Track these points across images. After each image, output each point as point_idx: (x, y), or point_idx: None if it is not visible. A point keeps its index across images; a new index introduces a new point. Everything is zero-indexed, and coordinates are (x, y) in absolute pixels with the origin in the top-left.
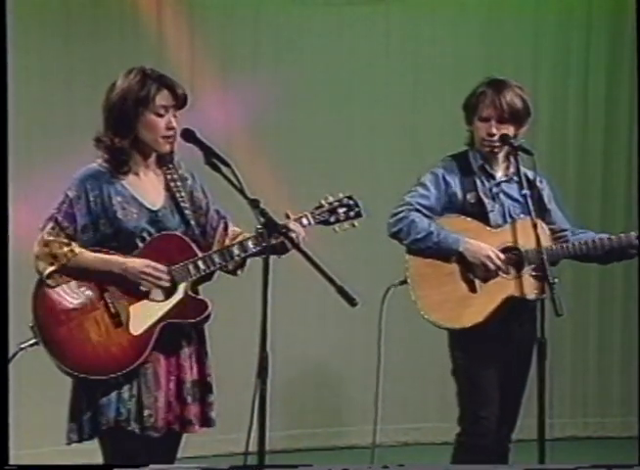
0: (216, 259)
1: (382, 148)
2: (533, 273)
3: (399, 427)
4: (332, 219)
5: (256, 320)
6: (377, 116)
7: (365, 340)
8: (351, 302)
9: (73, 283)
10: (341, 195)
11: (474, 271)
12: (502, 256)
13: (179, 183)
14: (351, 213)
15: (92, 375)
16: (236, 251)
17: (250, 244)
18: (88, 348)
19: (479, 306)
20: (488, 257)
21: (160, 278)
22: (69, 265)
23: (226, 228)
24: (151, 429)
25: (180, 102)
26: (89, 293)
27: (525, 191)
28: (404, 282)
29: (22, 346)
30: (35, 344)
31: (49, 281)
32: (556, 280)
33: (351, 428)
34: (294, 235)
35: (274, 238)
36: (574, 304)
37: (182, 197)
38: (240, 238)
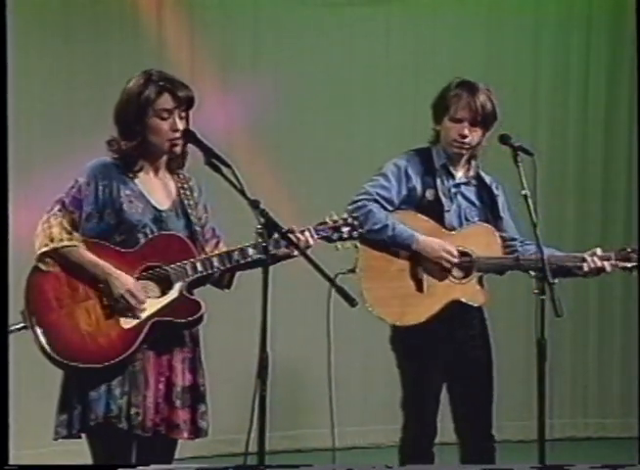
0: (215, 263)
1: (382, 148)
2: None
3: (399, 427)
4: (334, 237)
5: (256, 320)
6: (377, 116)
7: (364, 341)
8: (351, 302)
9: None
10: (346, 215)
11: (426, 268)
12: (456, 252)
13: (188, 192)
14: (355, 233)
15: (77, 363)
16: (235, 256)
17: (249, 250)
18: (76, 336)
19: (422, 307)
20: (441, 257)
21: (134, 309)
22: (61, 253)
23: (218, 244)
24: (138, 428)
25: (183, 103)
26: (84, 282)
27: (525, 192)
28: (352, 271)
29: (11, 328)
30: (24, 328)
31: (40, 264)
32: (556, 281)
33: (351, 429)
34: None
35: (275, 248)
36: (574, 304)
37: (190, 204)
38: None
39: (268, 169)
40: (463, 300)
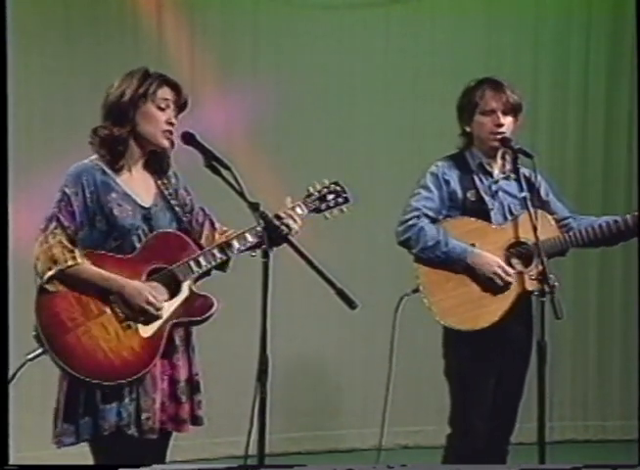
0: (217, 254)
1: (382, 150)
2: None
3: (400, 430)
4: (322, 207)
5: (256, 322)
6: (377, 118)
7: (365, 343)
8: (351, 304)
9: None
10: (326, 181)
11: (483, 282)
12: (510, 270)
13: (166, 181)
14: (340, 200)
15: (106, 381)
16: (236, 244)
17: (248, 236)
18: (100, 354)
19: (493, 306)
20: (496, 274)
21: (156, 308)
22: (68, 273)
23: (213, 224)
24: (149, 432)
25: (181, 100)
26: (95, 297)
27: (525, 194)
28: (416, 290)
29: (29, 357)
30: (42, 353)
31: (48, 286)
32: (556, 283)
33: (351, 431)
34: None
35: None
36: (574, 307)
37: (170, 195)
38: (230, 232)
39: (268, 172)
40: (530, 289)
